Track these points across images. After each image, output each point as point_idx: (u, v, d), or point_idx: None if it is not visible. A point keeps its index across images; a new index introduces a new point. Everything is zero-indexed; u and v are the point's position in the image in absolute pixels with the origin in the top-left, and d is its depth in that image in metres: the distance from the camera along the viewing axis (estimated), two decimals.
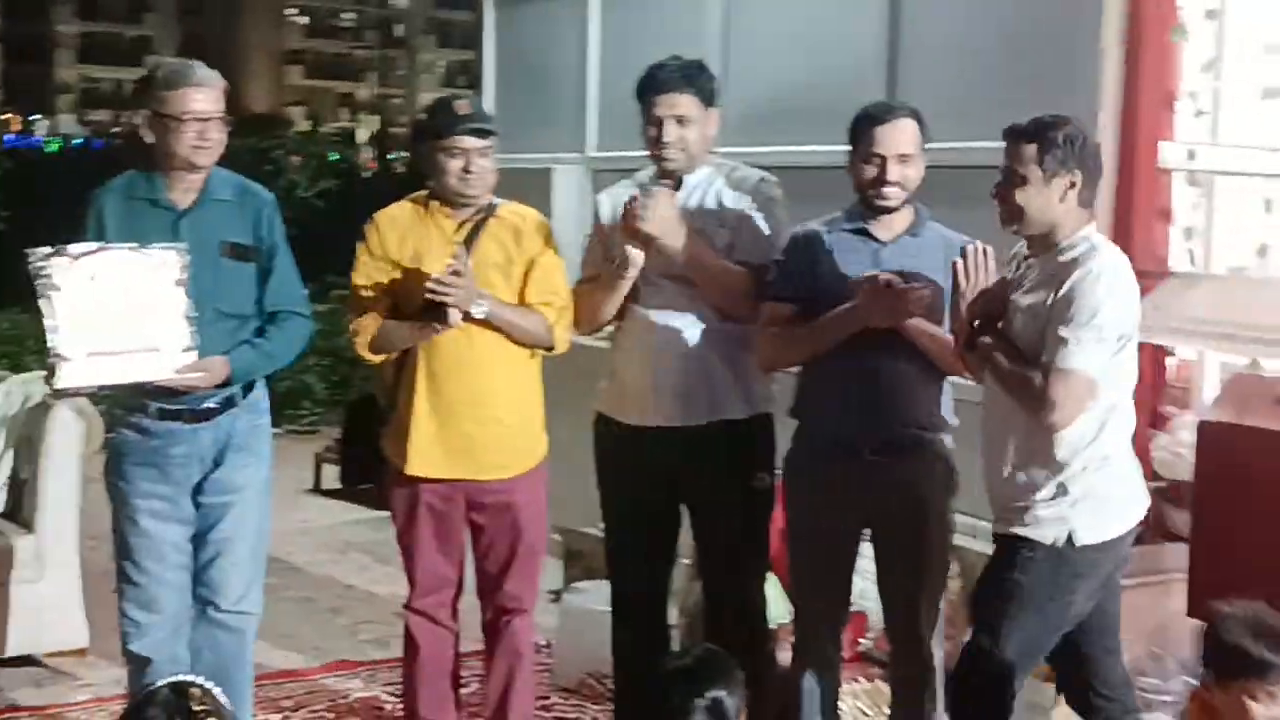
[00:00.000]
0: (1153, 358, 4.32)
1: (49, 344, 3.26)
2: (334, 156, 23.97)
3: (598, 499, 3.88)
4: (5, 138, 23.47)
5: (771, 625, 3.91)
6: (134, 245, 3.36)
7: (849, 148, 3.50)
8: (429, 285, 3.45)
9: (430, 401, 3.63)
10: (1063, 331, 3.04)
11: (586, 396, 3.89)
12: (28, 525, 4.56)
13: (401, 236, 3.66)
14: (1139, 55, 4.30)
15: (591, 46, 6.28)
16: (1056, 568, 3.14)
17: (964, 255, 3.24)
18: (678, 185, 3.67)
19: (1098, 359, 3.05)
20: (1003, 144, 3.17)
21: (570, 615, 4.71)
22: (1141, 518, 3.28)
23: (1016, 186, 3.12)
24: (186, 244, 3.40)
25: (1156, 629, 4.02)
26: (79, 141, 40.35)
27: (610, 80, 6.08)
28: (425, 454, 3.64)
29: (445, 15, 63.43)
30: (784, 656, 3.80)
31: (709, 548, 3.80)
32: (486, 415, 3.64)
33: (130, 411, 3.56)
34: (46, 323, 3.24)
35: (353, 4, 69.05)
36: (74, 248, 3.28)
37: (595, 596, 4.47)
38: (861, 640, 4.51)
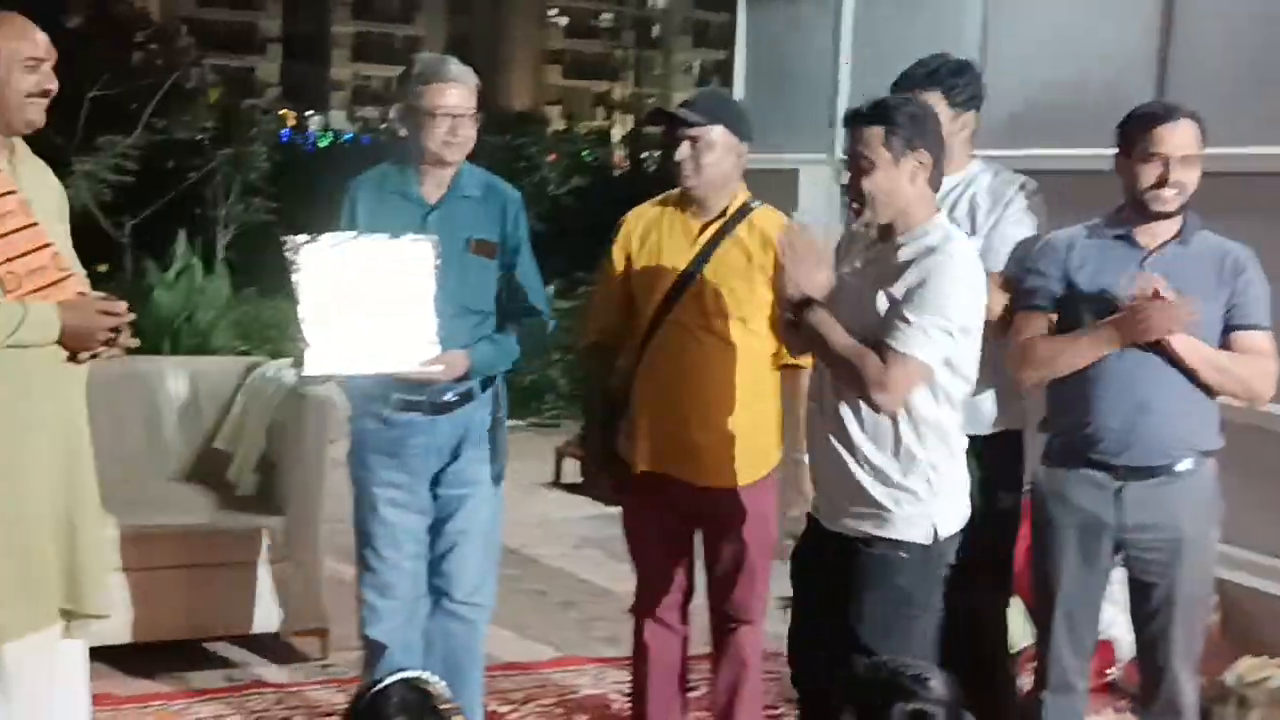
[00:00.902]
0: None
1: (299, 331, 3.34)
2: (587, 155, 24.39)
3: None
4: (281, 133, 24.61)
5: (1012, 649, 3.74)
6: (386, 236, 3.42)
7: (1115, 150, 3.32)
8: None
9: (660, 404, 3.59)
10: (910, 316, 2.95)
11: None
12: (277, 508, 4.71)
13: (645, 234, 3.65)
14: None
15: (843, 46, 6.18)
16: (926, 564, 3.07)
17: (787, 230, 3.11)
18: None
19: (940, 349, 2.97)
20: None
21: None
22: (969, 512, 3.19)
23: (864, 173, 3.01)
24: (435, 238, 3.45)
25: None
26: (349, 137, 42.10)
27: (862, 79, 5.97)
28: (653, 456, 3.61)
29: (702, 15, 63.85)
30: (1025, 682, 3.64)
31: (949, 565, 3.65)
32: (714, 422, 3.58)
33: (372, 401, 3.63)
34: (298, 310, 3.33)
35: (612, 5, 70.13)
36: (328, 237, 3.36)
37: None
38: (1109, 670, 4.29)
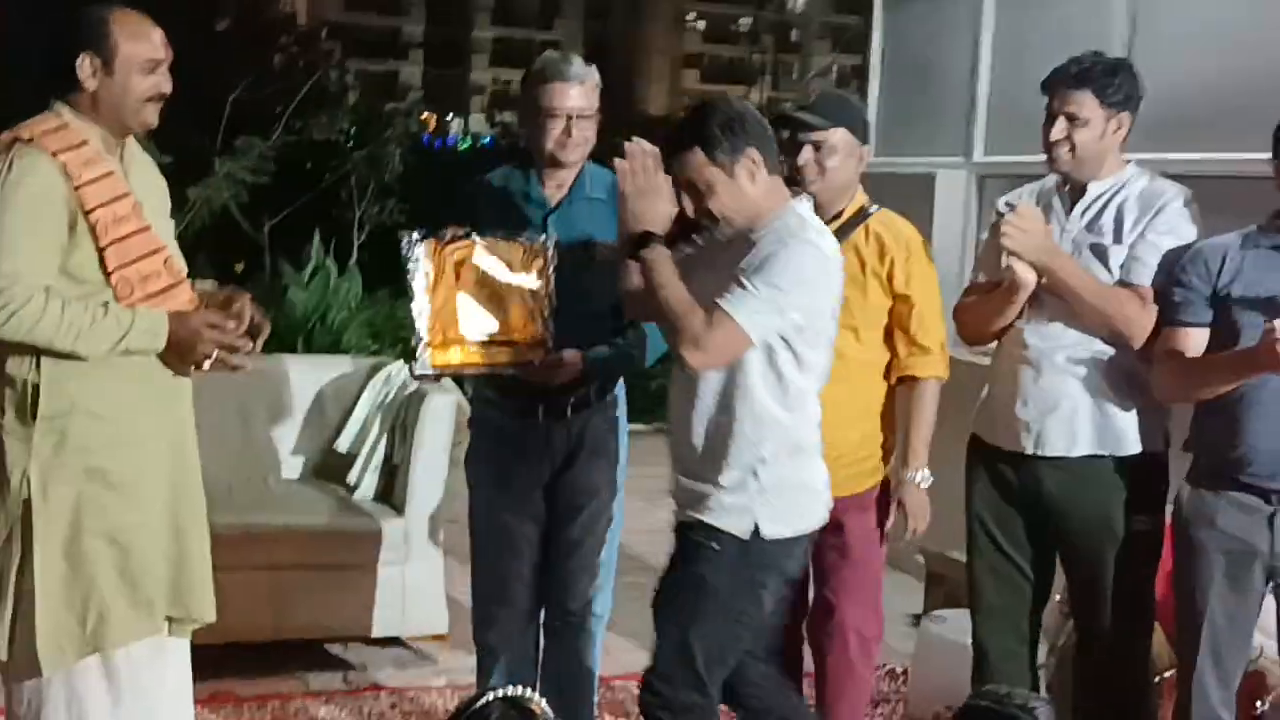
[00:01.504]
0: None
1: (413, 328, 3.29)
2: None
3: (965, 523, 3.63)
4: (422, 136, 24.99)
5: (1154, 679, 3.56)
6: (504, 234, 3.36)
7: (1272, 154, 3.12)
8: None
9: None
10: (745, 281, 2.86)
11: (963, 413, 3.63)
12: (398, 509, 4.69)
13: None
14: None
15: (984, 47, 5.98)
16: (742, 561, 2.97)
17: (626, 155, 2.94)
18: (1080, 193, 3.37)
19: (764, 321, 2.87)
20: None
21: (928, 644, 4.46)
22: (823, 521, 3.10)
23: (706, 197, 2.94)
24: (554, 235, 3.38)
25: None
26: (487, 140, 42.63)
27: (1002, 82, 5.79)
28: None
29: (840, 19, 63.38)
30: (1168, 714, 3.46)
31: (1084, 590, 3.48)
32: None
33: (488, 404, 3.57)
34: (412, 306, 3.28)
35: (750, 9, 69.97)
36: (444, 233, 3.30)
37: (955, 626, 4.23)
38: (1258, 703, 4.07)
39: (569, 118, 3.41)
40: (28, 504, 2.81)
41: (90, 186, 2.79)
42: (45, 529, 2.81)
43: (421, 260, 3.26)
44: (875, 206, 3.55)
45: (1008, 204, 3.37)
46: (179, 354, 2.88)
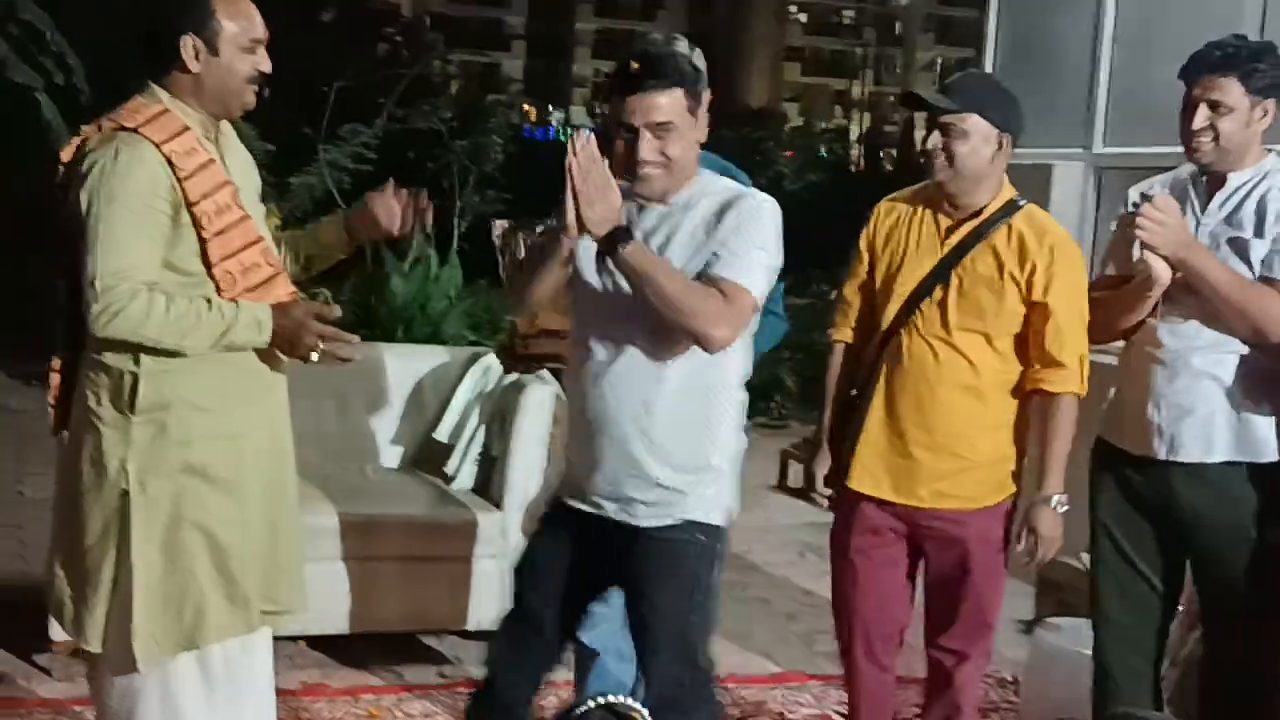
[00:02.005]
0: None
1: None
2: (823, 154, 24.08)
3: (1081, 525, 3.45)
4: (524, 128, 25.07)
5: None
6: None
7: None
8: None
9: (883, 415, 3.33)
10: (740, 250, 2.78)
11: (1086, 413, 3.46)
12: (495, 502, 4.61)
13: (891, 229, 3.38)
14: None
15: (1105, 34, 5.79)
16: (717, 548, 2.91)
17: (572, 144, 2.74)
18: (1219, 184, 3.19)
19: (764, 287, 2.83)
20: None
21: (1042, 653, 4.29)
22: None
23: (666, 138, 2.83)
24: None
25: None
26: (589, 133, 42.65)
27: (1124, 70, 5.61)
28: (869, 470, 3.35)
29: (946, 12, 62.60)
30: None
31: (1212, 602, 3.30)
32: (940, 444, 3.28)
33: None
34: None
35: (853, 2, 69.40)
36: (534, 224, 3.19)
37: (1071, 634, 4.07)
38: None
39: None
40: (125, 496, 2.75)
41: (194, 178, 2.72)
42: (143, 522, 2.75)
43: (512, 248, 3.11)
44: (1023, 202, 3.32)
45: (1142, 195, 3.18)
46: (284, 347, 2.81)
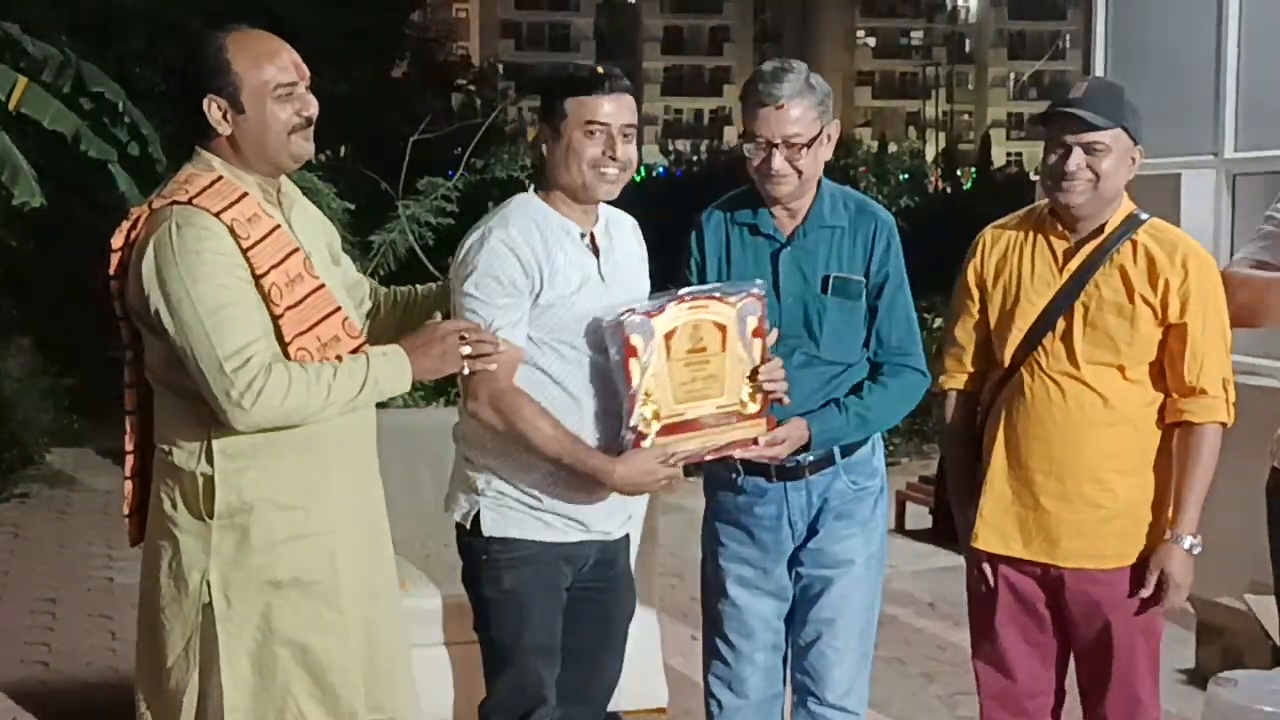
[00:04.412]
0: None
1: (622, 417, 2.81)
2: (903, 176, 23.71)
3: (1239, 563, 3.09)
4: None
5: None
6: (714, 289, 2.87)
7: None
8: None
9: (1008, 463, 3.00)
10: None
11: (1249, 444, 3.11)
12: None
13: (1002, 258, 3.05)
14: None
15: (1229, 32, 5.43)
16: None
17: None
18: None
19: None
20: None
21: (1218, 714, 3.89)
22: None
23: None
24: (762, 282, 2.88)
25: None
26: (661, 171, 42.65)
27: (1254, 70, 5.24)
28: (996, 525, 3.04)
29: (1017, 26, 61.98)
30: None
31: None
32: (1073, 491, 2.95)
33: (719, 461, 3.09)
34: (622, 391, 2.80)
35: (921, 22, 68.97)
36: (642, 306, 2.80)
37: (1253, 691, 3.65)
38: None
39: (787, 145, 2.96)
40: (208, 609, 2.48)
41: (258, 247, 2.45)
42: (230, 637, 2.48)
43: (629, 339, 2.75)
44: (1145, 215, 2.99)
45: None
46: (431, 366, 2.66)
